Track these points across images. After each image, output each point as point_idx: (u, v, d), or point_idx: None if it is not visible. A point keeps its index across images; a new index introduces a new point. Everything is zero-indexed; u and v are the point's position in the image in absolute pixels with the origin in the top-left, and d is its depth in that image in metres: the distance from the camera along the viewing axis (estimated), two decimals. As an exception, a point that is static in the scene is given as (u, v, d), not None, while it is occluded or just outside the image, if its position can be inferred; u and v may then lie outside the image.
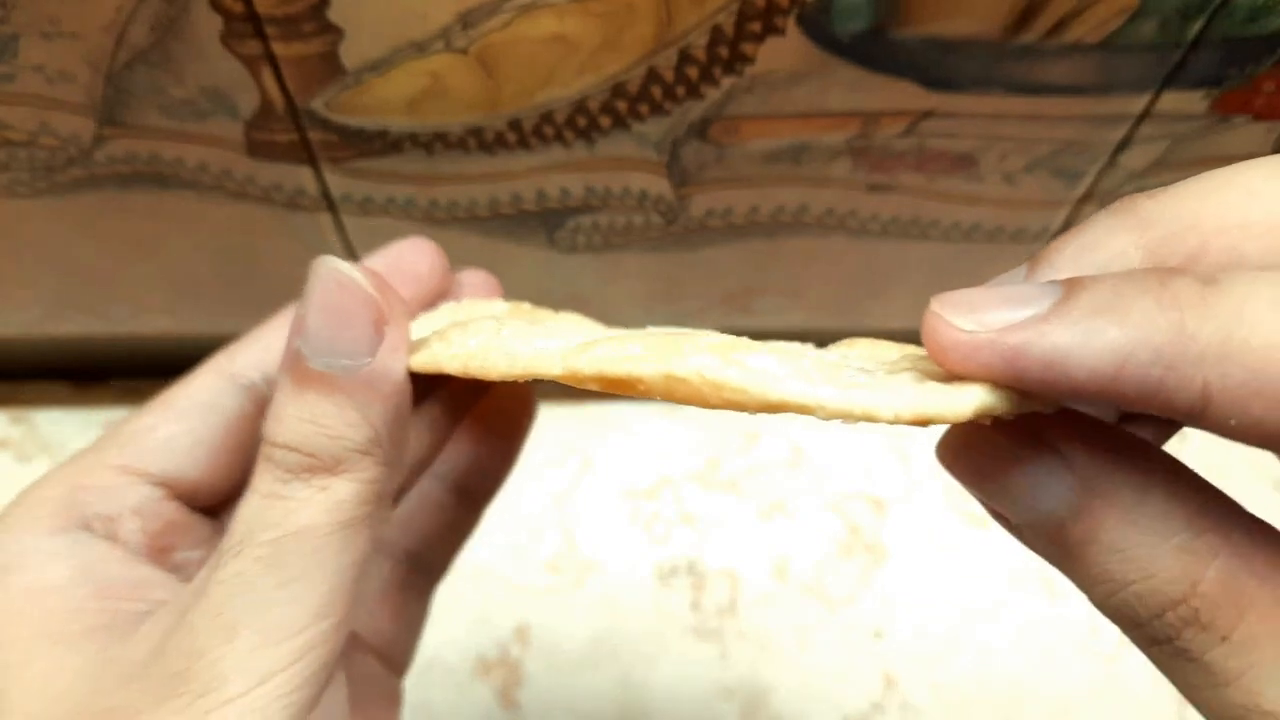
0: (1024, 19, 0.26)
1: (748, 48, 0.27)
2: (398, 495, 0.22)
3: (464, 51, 0.27)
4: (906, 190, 0.33)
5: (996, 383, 0.13)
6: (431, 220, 0.34)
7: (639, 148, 0.31)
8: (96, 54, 0.27)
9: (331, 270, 0.17)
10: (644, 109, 0.29)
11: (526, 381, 0.17)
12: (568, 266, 0.36)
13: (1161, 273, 0.13)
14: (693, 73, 0.28)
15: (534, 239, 0.35)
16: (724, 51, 0.27)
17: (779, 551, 0.41)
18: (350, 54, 0.27)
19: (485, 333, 0.18)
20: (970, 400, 0.13)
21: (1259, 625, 0.12)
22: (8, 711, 0.16)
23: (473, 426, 0.24)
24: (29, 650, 0.17)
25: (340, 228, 0.34)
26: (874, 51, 0.27)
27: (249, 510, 0.17)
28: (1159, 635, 0.13)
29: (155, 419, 0.20)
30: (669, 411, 0.43)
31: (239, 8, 0.26)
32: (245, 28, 0.26)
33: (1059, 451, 0.14)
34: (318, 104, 0.29)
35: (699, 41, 0.27)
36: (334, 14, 0.26)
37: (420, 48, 0.27)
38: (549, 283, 0.37)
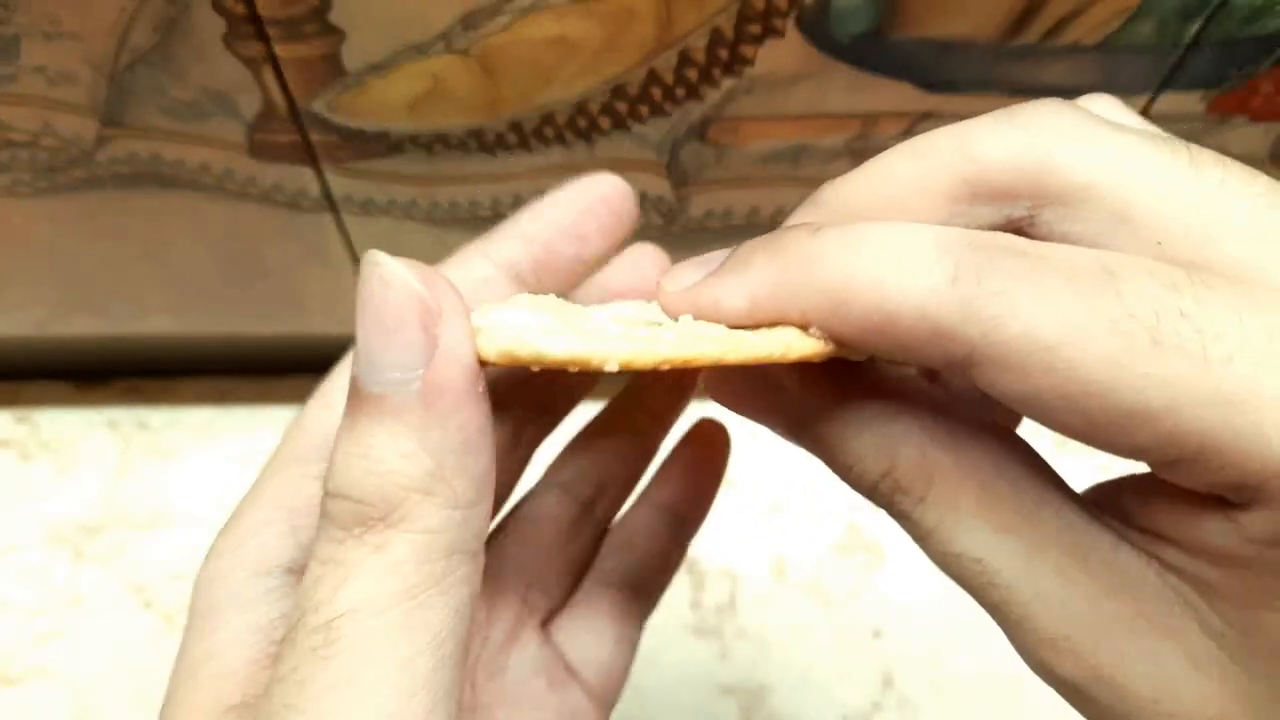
0: (1022, 20, 0.27)
1: (747, 49, 0.27)
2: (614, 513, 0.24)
3: (465, 53, 0.27)
4: (905, 191, 0.33)
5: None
6: (433, 221, 0.34)
7: (639, 149, 0.31)
8: (99, 55, 0.27)
9: (372, 266, 0.14)
10: (644, 110, 0.29)
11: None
12: (568, 267, 0.36)
13: (786, 230, 0.15)
14: (692, 74, 0.28)
15: (534, 239, 0.35)
16: (723, 53, 0.27)
17: (778, 550, 0.41)
18: (352, 55, 0.27)
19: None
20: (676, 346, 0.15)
21: (945, 487, 0.15)
22: None
23: (680, 452, 0.25)
24: (191, 711, 0.16)
25: (342, 228, 0.34)
26: (873, 53, 0.27)
27: (304, 584, 0.14)
28: (883, 502, 0.16)
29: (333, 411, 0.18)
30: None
31: (241, 9, 0.26)
32: (247, 29, 0.26)
33: (781, 385, 0.17)
34: (319, 105, 0.29)
35: (698, 43, 0.27)
36: (335, 16, 0.26)
37: (421, 49, 0.27)
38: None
